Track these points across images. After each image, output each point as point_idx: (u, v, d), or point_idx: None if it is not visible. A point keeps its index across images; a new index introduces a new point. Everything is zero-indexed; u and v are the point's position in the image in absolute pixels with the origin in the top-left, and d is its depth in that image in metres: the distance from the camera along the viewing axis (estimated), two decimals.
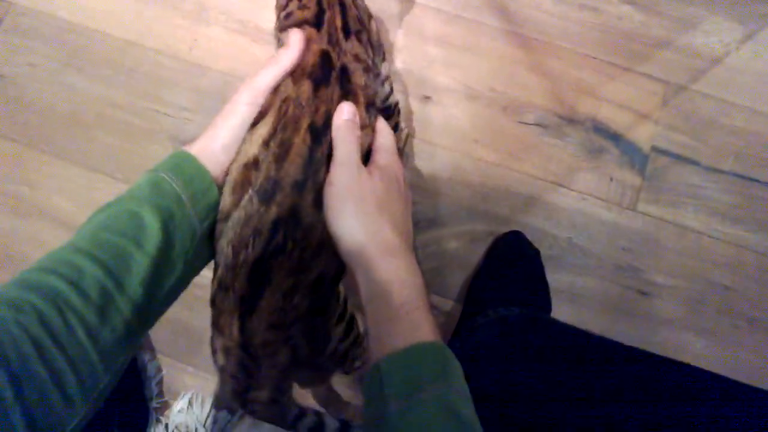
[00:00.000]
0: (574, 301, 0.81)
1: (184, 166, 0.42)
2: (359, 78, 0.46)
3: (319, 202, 0.41)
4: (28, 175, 0.90)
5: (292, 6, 0.50)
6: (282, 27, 0.50)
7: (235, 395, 0.48)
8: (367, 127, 0.46)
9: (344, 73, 0.46)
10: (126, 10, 0.93)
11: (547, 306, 0.78)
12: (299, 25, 0.47)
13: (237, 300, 0.43)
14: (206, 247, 0.43)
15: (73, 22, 0.94)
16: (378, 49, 0.57)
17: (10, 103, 0.92)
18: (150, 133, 0.88)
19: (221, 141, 0.43)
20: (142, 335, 0.39)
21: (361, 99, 0.46)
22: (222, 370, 0.47)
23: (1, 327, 0.30)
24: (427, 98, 0.88)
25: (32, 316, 0.31)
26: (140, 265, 0.36)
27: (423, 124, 0.87)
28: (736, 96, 0.88)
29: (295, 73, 0.44)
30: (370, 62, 0.49)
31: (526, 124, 0.86)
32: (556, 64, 0.89)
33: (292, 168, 0.41)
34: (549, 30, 0.90)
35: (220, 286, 0.44)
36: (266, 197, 0.41)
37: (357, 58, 0.48)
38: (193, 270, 0.44)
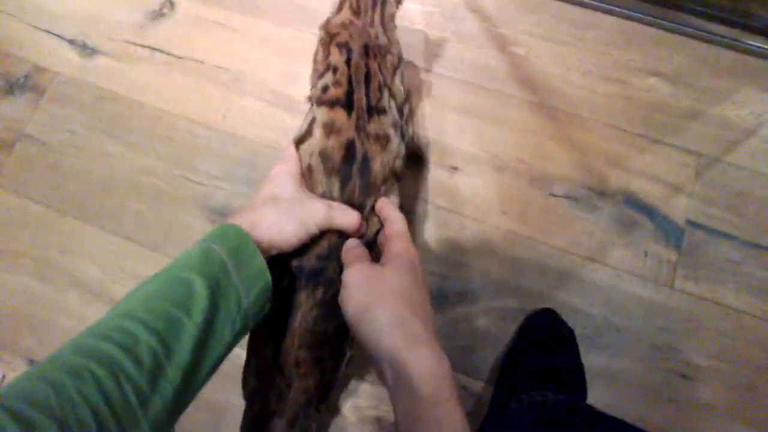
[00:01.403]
0: (611, 384, 0.77)
1: (230, 235, 0.44)
2: (377, 164, 0.52)
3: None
4: (58, 240, 0.91)
5: (328, 79, 0.54)
6: (318, 100, 0.54)
7: (256, 422, 0.51)
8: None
9: (365, 163, 0.51)
10: (162, 80, 0.97)
11: (583, 389, 0.74)
12: (333, 104, 0.53)
13: (270, 320, 0.49)
14: (254, 308, 0.44)
15: (112, 91, 0.98)
16: (402, 99, 0.61)
17: (47, 169, 0.95)
18: (181, 200, 0.90)
19: (269, 219, 0.47)
20: (188, 403, 0.40)
21: (378, 183, 0.52)
22: (252, 394, 0.52)
23: (64, 394, 0.31)
24: (454, 168, 0.88)
25: (91, 384, 0.32)
26: (189, 332, 0.37)
27: (450, 195, 0.86)
28: None
29: (326, 167, 0.51)
30: (388, 130, 0.54)
31: (555, 196, 0.85)
32: (585, 136, 0.88)
33: None
34: (576, 102, 0.90)
35: None
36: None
37: (377, 137, 0.52)
38: (237, 338, 0.44)
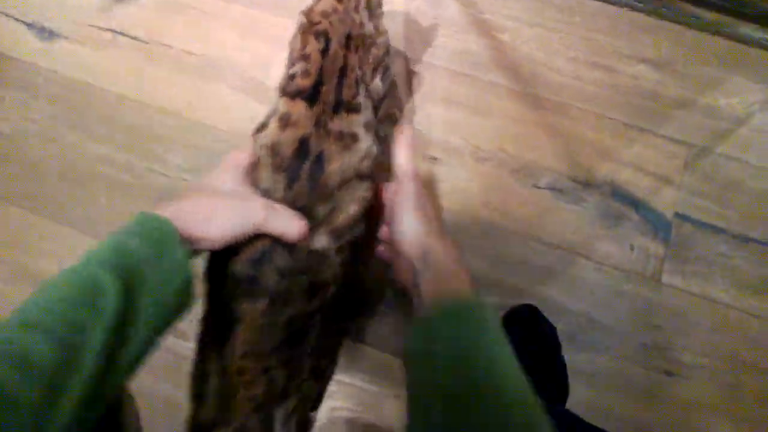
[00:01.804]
0: (594, 383, 0.74)
1: (150, 225, 0.41)
2: (333, 165, 0.47)
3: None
4: (17, 236, 0.86)
5: (298, 68, 0.50)
6: (284, 89, 0.50)
7: (199, 428, 0.48)
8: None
9: (319, 163, 0.47)
10: (127, 66, 0.92)
11: (564, 389, 0.72)
12: (296, 94, 0.48)
13: (215, 324, 0.48)
14: (174, 304, 0.41)
15: (73, 78, 0.92)
16: (379, 97, 0.57)
17: (3, 160, 0.89)
18: (145, 193, 0.85)
19: (201, 210, 0.44)
20: (102, 407, 0.36)
21: (333, 186, 0.48)
22: (196, 398, 0.49)
23: None
24: (434, 159, 0.84)
25: None
26: (96, 337, 0.34)
27: (428, 187, 0.82)
28: (761, 158, 0.83)
29: (274, 162, 0.47)
30: (357, 129, 0.50)
31: (539, 188, 0.82)
32: (570, 125, 0.85)
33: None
34: (562, 89, 0.87)
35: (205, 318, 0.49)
36: None
37: (340, 136, 0.48)
38: (157, 335, 0.41)
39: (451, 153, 0.84)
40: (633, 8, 0.91)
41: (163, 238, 0.40)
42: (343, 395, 0.75)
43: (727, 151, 0.84)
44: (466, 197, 0.82)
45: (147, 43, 0.92)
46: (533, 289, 0.77)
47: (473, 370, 0.38)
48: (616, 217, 0.80)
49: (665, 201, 0.81)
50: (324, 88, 0.48)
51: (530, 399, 0.37)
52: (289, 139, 0.47)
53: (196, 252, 0.43)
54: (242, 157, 0.48)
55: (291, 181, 0.46)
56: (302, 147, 0.46)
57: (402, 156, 0.51)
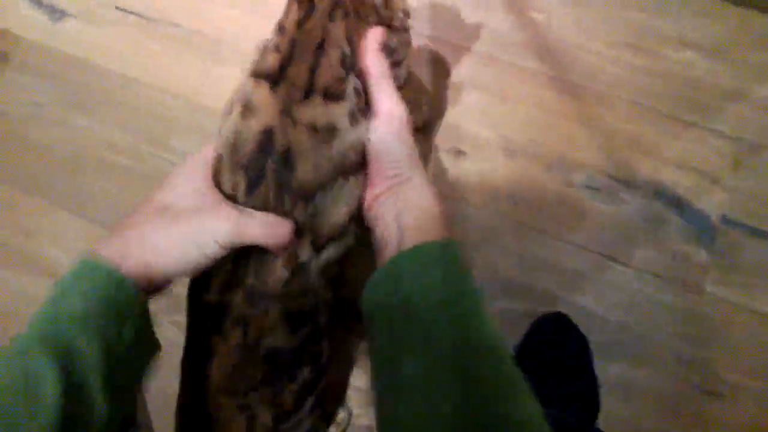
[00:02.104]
0: (628, 398, 0.69)
1: (92, 278, 0.34)
2: (306, 164, 0.37)
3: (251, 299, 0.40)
4: (22, 222, 0.83)
5: (271, 42, 0.40)
6: (252, 68, 0.39)
7: None
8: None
9: (287, 160, 0.37)
10: (134, 45, 0.87)
11: (595, 405, 0.66)
12: (260, 75, 0.38)
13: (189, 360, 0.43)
14: (132, 369, 0.36)
15: (80, 58, 0.88)
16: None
17: (9, 143, 0.86)
18: (150, 179, 0.81)
19: (150, 241, 0.37)
20: None
21: (308, 189, 0.38)
22: (181, 428, 0.45)
23: None
24: (459, 152, 0.78)
25: None
26: (46, 410, 0.29)
27: (455, 181, 0.77)
28: None
29: (234, 159, 0.38)
30: (338, 120, 0.39)
31: (574, 185, 0.75)
32: (609, 117, 0.78)
33: None
34: (600, 77, 0.79)
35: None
36: None
37: (314, 128, 0.37)
38: (122, 395, 0.36)
39: (479, 145, 0.78)
40: None
41: (107, 292, 0.34)
42: (360, 402, 0.71)
43: None
44: (495, 194, 0.76)
45: (155, 21, 0.87)
46: (565, 295, 0.72)
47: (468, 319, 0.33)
48: (657, 219, 0.74)
49: (712, 203, 0.74)
50: (291, 70, 0.38)
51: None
52: (251, 129, 0.37)
53: (154, 291, 0.37)
54: (202, 156, 0.39)
55: (253, 183, 0.37)
56: (266, 140, 0.37)
57: (374, 80, 0.40)
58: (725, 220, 0.73)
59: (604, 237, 0.73)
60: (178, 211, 0.37)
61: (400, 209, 0.37)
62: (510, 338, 0.70)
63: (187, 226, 0.36)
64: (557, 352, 0.67)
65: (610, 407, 0.67)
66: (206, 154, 0.39)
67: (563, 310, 0.70)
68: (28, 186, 0.84)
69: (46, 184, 0.84)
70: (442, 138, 0.78)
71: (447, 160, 0.77)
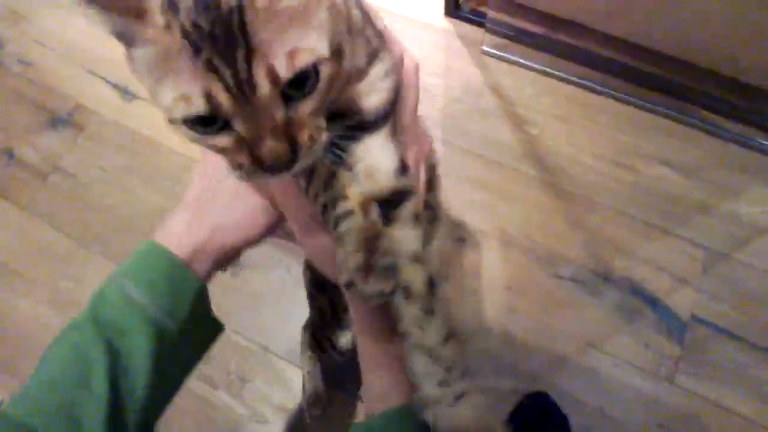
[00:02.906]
0: None
1: (148, 263, 0.37)
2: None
3: None
4: (75, 271, 0.95)
5: None
6: None
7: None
8: None
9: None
10: None
11: None
12: None
13: None
14: (193, 331, 0.38)
15: (146, 135, 1.03)
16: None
17: (74, 202, 1.00)
18: None
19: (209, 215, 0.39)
20: None
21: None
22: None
23: None
24: (461, 240, 0.89)
25: None
26: (94, 412, 0.33)
27: (454, 267, 0.88)
28: None
29: None
30: None
31: (561, 278, 0.86)
32: (593, 219, 0.90)
33: None
34: (586, 184, 0.92)
35: None
36: None
37: None
38: (182, 371, 0.40)
39: (479, 235, 0.90)
40: (659, 114, 0.97)
41: (162, 277, 0.36)
42: None
43: (746, 260, 0.86)
44: (490, 279, 0.86)
45: None
46: (548, 377, 0.80)
47: None
48: (632, 312, 0.83)
49: (682, 302, 0.84)
50: None
51: None
52: None
53: (219, 267, 0.39)
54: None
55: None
56: None
57: None
58: (695, 318, 0.82)
59: (586, 325, 0.82)
60: (227, 190, 0.39)
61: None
62: (497, 414, 0.77)
63: (242, 202, 0.38)
64: (541, 427, 0.74)
65: None
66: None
67: (545, 390, 0.78)
68: (86, 240, 0.97)
69: (103, 241, 0.96)
70: (446, 228, 0.90)
71: (449, 248, 0.89)
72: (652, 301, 0.84)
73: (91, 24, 0.25)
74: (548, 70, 1.01)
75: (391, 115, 0.33)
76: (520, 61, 1.02)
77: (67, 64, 1.12)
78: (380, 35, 0.33)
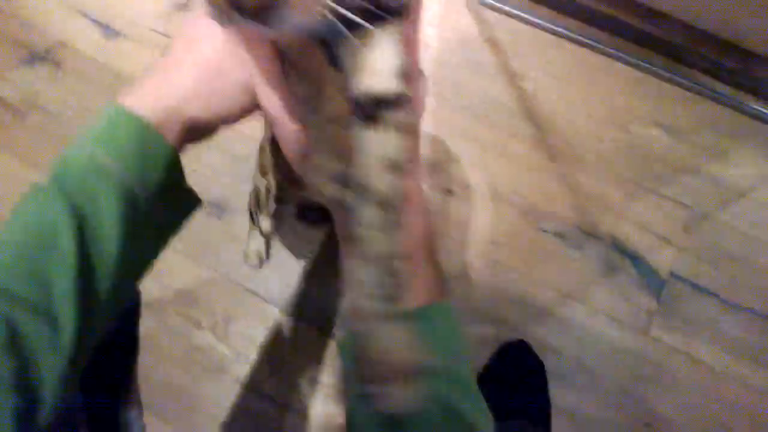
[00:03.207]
0: (575, 421, 0.78)
1: (118, 130, 0.34)
2: None
3: None
4: None
5: None
6: None
7: None
8: None
9: None
10: None
11: (546, 421, 0.75)
12: None
13: None
14: (164, 201, 0.36)
15: (128, 74, 1.00)
16: None
17: (58, 141, 0.97)
18: None
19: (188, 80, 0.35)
20: (96, 334, 0.34)
21: None
22: None
23: None
24: (449, 192, 0.90)
25: None
26: (62, 276, 0.31)
27: (441, 218, 0.88)
28: (763, 232, 0.87)
29: None
30: None
31: (545, 231, 0.87)
32: (581, 177, 0.90)
33: None
34: (576, 143, 0.92)
35: None
36: None
37: None
38: (151, 245, 0.37)
39: (466, 188, 0.90)
40: (654, 74, 0.96)
41: (132, 140, 0.33)
42: (339, 401, 0.80)
43: (728, 220, 0.88)
44: (476, 232, 0.87)
45: None
46: (528, 326, 0.82)
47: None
48: (613, 268, 0.85)
49: (662, 260, 0.85)
50: None
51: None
52: None
53: (191, 139, 0.36)
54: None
55: None
56: None
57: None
58: (673, 275, 0.85)
59: (567, 279, 0.84)
60: (206, 57, 0.35)
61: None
62: (477, 359, 0.80)
63: (221, 75, 0.34)
64: (518, 372, 0.76)
65: (559, 428, 0.76)
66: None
67: (526, 339, 0.80)
68: None
69: None
70: (435, 178, 0.90)
71: (436, 198, 0.89)
72: (634, 258, 0.85)
73: None
74: (547, 24, 0.99)
75: (404, 14, 0.31)
76: (519, 14, 1.00)
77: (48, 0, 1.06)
78: None
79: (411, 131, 0.31)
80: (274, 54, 0.34)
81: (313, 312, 0.84)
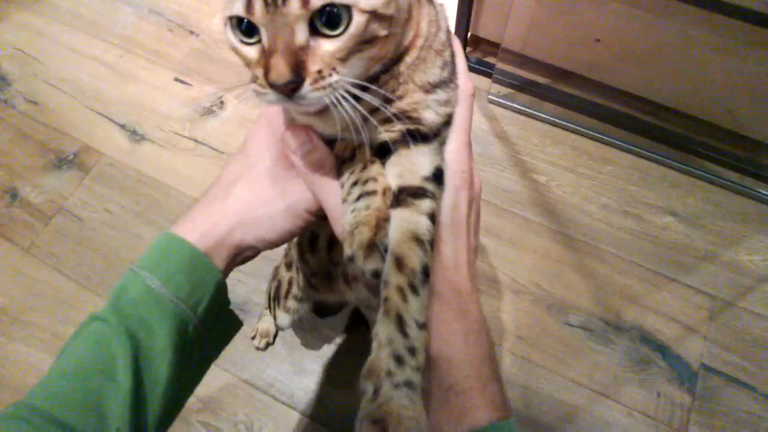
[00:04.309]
0: None
1: (170, 256, 0.37)
2: None
3: None
4: (77, 316, 0.92)
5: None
6: None
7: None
8: None
9: None
10: (203, 171, 1.03)
11: None
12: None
13: None
14: (212, 325, 0.38)
15: (153, 177, 1.03)
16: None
17: (79, 244, 0.98)
18: None
19: (249, 214, 0.38)
20: None
21: None
22: None
23: None
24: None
25: None
26: (117, 405, 0.33)
27: None
28: None
29: None
30: None
31: (571, 326, 0.86)
32: (601, 268, 0.91)
33: None
34: (594, 233, 0.94)
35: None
36: None
37: None
38: (197, 368, 0.39)
39: (487, 283, 0.90)
40: (662, 164, 1.00)
41: (186, 269, 0.36)
42: None
43: (751, 307, 0.88)
44: (501, 327, 0.87)
45: (223, 153, 1.04)
46: (561, 426, 0.79)
47: None
48: (643, 361, 0.84)
49: (691, 351, 0.84)
50: None
51: None
52: None
53: (242, 261, 0.39)
54: (271, 125, 0.40)
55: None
56: None
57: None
58: (704, 367, 0.83)
59: (597, 375, 0.83)
60: (260, 173, 0.38)
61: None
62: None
63: (278, 186, 0.37)
64: None
65: None
66: (267, 129, 0.40)
67: None
68: (89, 284, 0.95)
69: (105, 284, 0.94)
70: None
71: None
72: (662, 350, 0.84)
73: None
74: (554, 119, 1.04)
75: (442, 132, 0.37)
76: (526, 110, 1.05)
77: (76, 106, 1.12)
78: (453, 66, 0.38)
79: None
80: (333, 157, 0.37)
81: (337, 418, 0.82)
